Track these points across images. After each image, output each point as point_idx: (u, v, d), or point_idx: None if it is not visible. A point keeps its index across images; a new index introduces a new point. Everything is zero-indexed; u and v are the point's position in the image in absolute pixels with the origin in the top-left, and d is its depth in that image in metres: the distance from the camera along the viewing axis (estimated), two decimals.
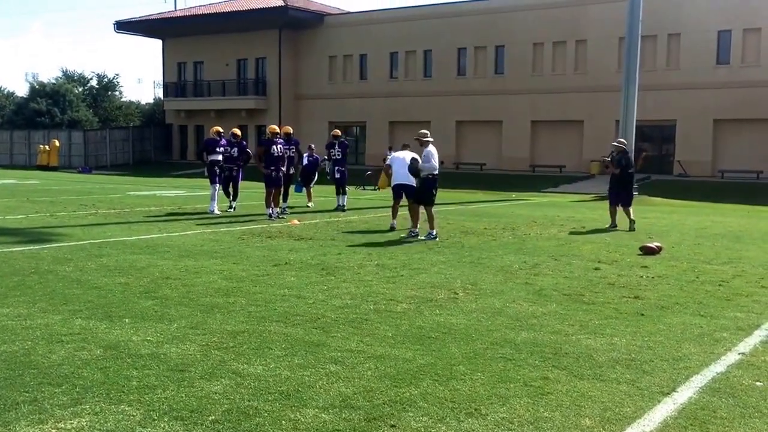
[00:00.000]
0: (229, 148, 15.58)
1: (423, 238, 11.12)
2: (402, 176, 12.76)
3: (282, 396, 4.07)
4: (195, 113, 45.67)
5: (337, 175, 16.81)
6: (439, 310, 6.26)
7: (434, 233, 11.29)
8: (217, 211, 14.99)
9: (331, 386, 4.24)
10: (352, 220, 14.24)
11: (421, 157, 11.69)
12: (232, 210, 15.40)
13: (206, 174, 15.69)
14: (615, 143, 14.30)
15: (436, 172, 11.54)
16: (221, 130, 15.69)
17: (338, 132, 17.80)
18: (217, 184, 15.31)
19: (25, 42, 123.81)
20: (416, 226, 11.54)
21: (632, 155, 14.22)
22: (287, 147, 14.98)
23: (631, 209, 13.53)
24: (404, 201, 12.94)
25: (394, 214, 12.94)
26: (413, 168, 11.71)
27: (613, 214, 13.66)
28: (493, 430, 3.67)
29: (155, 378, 4.33)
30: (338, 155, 16.93)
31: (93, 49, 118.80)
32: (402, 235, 11.53)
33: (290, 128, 15.88)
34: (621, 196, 13.64)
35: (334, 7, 45.33)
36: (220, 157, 15.34)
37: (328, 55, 41.90)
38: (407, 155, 12.99)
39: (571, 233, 12.57)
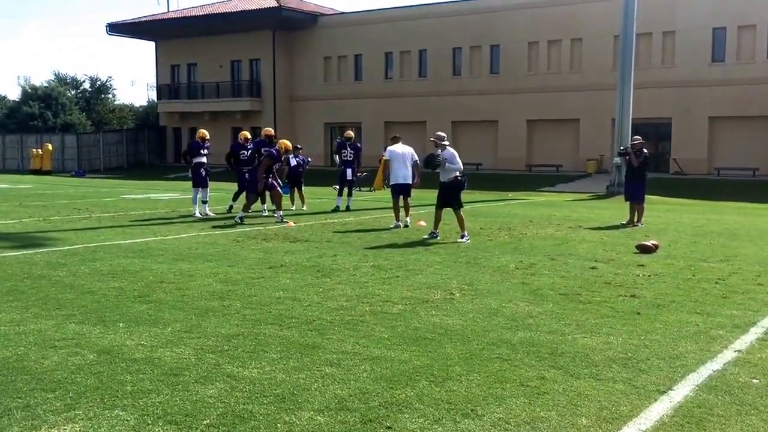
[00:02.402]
0: (245, 152, 15.48)
1: (461, 240, 10.86)
2: (402, 176, 12.74)
3: (277, 399, 4.04)
4: (189, 115, 45.56)
5: (349, 177, 16.77)
6: (435, 311, 6.24)
7: (466, 235, 11.03)
8: (198, 214, 14.82)
9: (326, 389, 4.21)
10: (347, 222, 14.21)
11: (438, 158, 11.08)
12: (265, 213, 15.28)
13: (190, 176, 15.51)
14: (634, 140, 14.69)
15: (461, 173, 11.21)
16: (207, 137, 15.47)
17: (351, 133, 17.71)
18: (200, 188, 15.02)
19: (16, 45, 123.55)
20: (437, 228, 11.31)
21: (631, 152, 14.46)
22: (267, 150, 14.96)
23: (643, 206, 14.01)
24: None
25: (397, 215, 12.96)
26: (431, 161, 11.09)
27: (631, 210, 14.01)
28: (490, 430, 3.65)
29: (149, 382, 4.30)
30: (350, 156, 16.89)
31: (85, 52, 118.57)
32: (424, 236, 11.39)
33: (272, 130, 15.81)
34: (635, 191, 14.05)
35: (328, 7, 45.31)
36: (204, 159, 15.16)
37: (322, 55, 41.86)
38: (406, 151, 12.96)
39: (590, 228, 12.60)
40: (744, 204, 20.94)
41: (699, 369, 4.65)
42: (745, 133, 31.13)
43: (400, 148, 12.98)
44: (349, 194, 17.06)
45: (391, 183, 12.97)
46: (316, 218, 14.95)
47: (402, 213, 12.91)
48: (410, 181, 12.89)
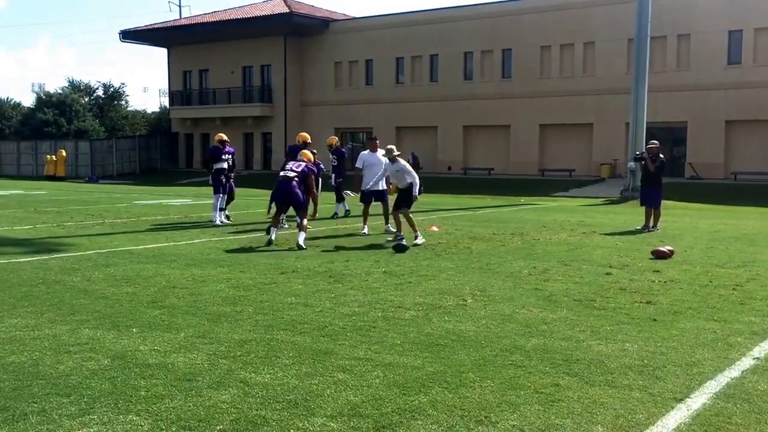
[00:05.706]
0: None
1: (418, 242, 11.11)
2: (375, 182, 12.68)
3: (290, 405, 4.03)
4: (201, 121, 45.83)
5: (333, 183, 16.80)
6: (447, 317, 6.21)
7: (419, 235, 11.36)
8: (218, 222, 14.76)
9: (339, 395, 4.20)
10: (358, 227, 14.19)
11: (396, 171, 11.61)
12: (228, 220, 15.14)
13: (211, 183, 15.35)
14: (651, 145, 14.50)
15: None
16: (225, 138, 15.35)
17: (332, 140, 17.66)
18: (221, 194, 14.96)
19: (31, 53, 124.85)
20: (401, 230, 11.38)
21: (647, 157, 14.33)
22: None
23: (660, 211, 13.95)
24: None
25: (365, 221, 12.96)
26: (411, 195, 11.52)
27: (648, 215, 13.91)
28: None
29: (163, 388, 4.30)
30: (333, 162, 16.98)
31: (99, 59, 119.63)
32: (388, 239, 11.65)
33: (307, 135, 15.20)
34: (652, 196, 13.95)
35: (339, 12, 45.46)
36: (225, 165, 15.05)
37: (333, 61, 41.95)
38: (383, 160, 12.64)
39: (604, 234, 12.51)
40: (762, 209, 20.71)
41: (717, 377, 4.60)
42: (762, 137, 30.77)
43: (376, 158, 12.82)
44: (338, 200, 16.85)
45: (364, 188, 12.81)
46: (326, 223, 14.96)
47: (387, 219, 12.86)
48: (380, 187, 12.76)
